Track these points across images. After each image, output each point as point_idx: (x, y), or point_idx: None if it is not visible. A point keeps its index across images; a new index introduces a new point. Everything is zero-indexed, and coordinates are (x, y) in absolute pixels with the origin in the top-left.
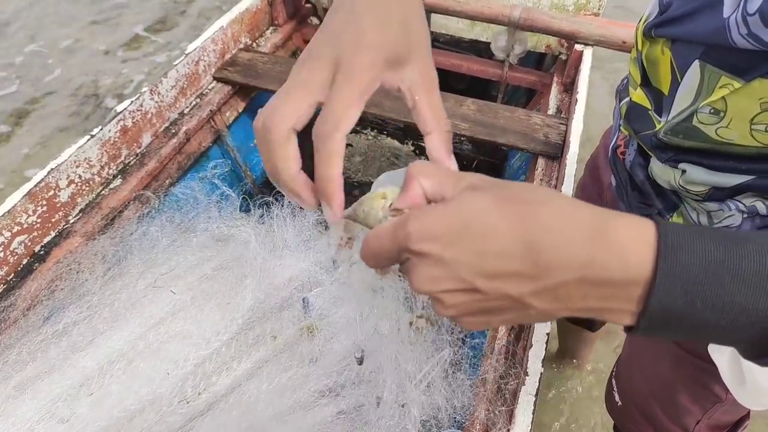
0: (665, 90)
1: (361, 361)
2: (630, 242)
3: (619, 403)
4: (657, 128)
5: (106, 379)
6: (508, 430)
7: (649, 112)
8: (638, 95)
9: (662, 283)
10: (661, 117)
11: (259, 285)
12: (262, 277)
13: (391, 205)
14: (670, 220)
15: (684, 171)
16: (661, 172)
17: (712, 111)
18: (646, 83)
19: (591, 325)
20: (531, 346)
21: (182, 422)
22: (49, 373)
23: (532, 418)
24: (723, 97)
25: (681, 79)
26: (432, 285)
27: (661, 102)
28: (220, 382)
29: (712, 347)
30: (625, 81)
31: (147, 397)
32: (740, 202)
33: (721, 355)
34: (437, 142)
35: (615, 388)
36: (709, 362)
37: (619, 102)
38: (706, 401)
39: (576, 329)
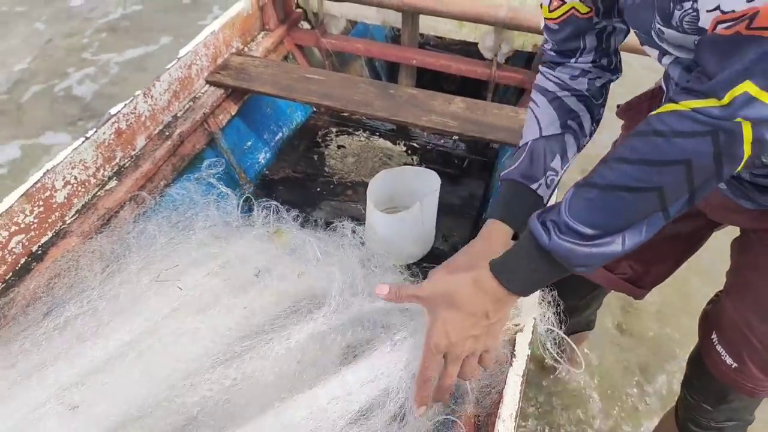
0: None
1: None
2: (489, 282)
3: (734, 365)
4: None
5: (117, 367)
6: (498, 409)
7: None
8: None
9: (510, 287)
10: None
11: (266, 283)
12: (268, 275)
13: None
14: None
15: None
16: None
17: None
18: None
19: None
20: (520, 330)
21: (194, 408)
22: (54, 361)
23: (520, 397)
24: None
25: None
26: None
27: None
28: (229, 374)
29: None
30: None
31: (160, 386)
32: None
33: None
34: None
35: (724, 353)
36: None
37: None
38: None
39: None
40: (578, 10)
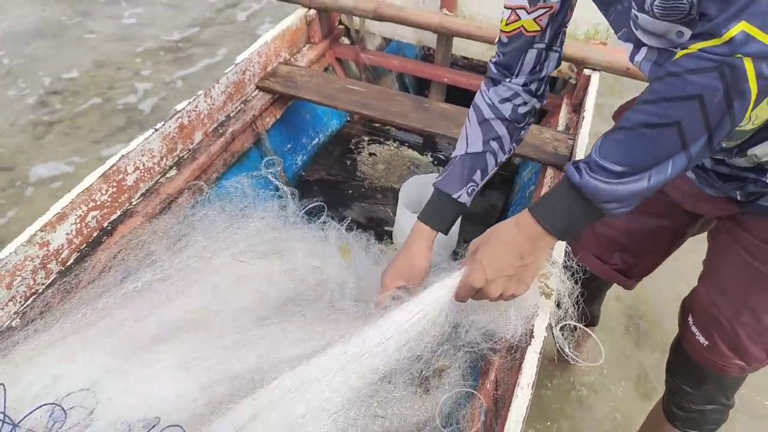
0: None
1: None
2: (527, 220)
3: (706, 343)
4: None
5: (195, 323)
6: (517, 379)
7: None
8: None
9: (545, 224)
10: None
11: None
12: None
13: None
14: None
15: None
16: (739, 161)
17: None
18: None
19: (593, 319)
20: (537, 315)
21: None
22: (145, 317)
23: (536, 371)
24: None
25: None
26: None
27: None
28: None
29: None
30: None
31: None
32: None
33: None
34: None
35: (697, 333)
36: None
37: None
38: None
39: None
40: (526, 28)
